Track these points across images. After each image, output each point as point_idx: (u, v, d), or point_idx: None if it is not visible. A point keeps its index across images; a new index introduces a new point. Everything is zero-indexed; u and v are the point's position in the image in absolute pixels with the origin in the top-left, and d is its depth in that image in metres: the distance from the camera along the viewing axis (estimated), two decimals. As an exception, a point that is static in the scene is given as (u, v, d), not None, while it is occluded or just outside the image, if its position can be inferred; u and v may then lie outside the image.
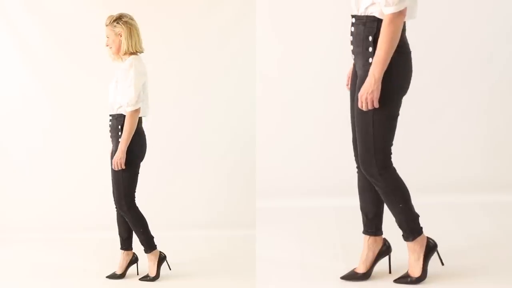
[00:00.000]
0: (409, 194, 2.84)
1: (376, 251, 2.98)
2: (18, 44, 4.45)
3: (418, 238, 2.87)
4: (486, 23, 4.24)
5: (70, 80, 4.46)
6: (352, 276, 2.98)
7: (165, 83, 4.34)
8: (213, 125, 4.52)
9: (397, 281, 2.92)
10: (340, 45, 3.38)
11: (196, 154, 4.53)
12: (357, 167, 2.97)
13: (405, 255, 2.93)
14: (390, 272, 3.01)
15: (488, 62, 4.25)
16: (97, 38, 3.61)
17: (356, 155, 2.95)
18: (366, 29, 2.69)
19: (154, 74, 3.49)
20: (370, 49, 2.68)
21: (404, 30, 2.70)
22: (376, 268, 2.99)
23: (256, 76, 4.34)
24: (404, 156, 3.04)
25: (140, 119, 3.32)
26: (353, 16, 2.75)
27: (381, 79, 2.63)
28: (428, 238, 2.91)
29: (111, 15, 3.31)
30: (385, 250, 3.00)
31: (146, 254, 3.41)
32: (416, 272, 2.88)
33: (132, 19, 3.31)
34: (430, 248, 2.90)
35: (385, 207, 2.94)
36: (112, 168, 3.30)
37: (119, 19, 3.28)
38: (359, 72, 2.77)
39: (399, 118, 2.77)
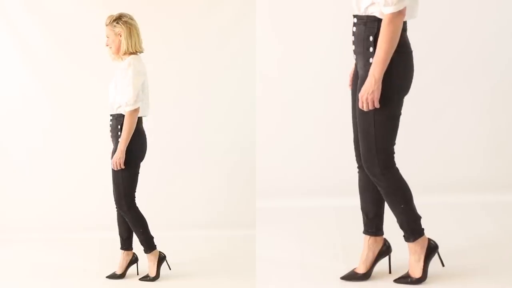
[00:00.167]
0: (411, 194, 2.84)
1: (376, 251, 2.97)
2: (18, 44, 4.45)
3: (419, 239, 2.86)
4: (488, 22, 4.23)
5: (70, 80, 4.46)
6: (352, 276, 2.97)
7: (165, 83, 4.34)
8: (213, 125, 4.52)
9: (398, 281, 2.91)
10: (340, 45, 3.37)
11: (196, 154, 4.53)
12: (358, 167, 2.96)
13: (405, 255, 2.92)
14: (390, 272, 3.00)
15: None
16: (97, 38, 3.61)
17: (357, 155, 2.94)
18: (367, 29, 2.68)
19: (154, 74, 3.49)
20: (371, 49, 2.67)
21: (404, 29, 2.69)
22: (376, 268, 2.99)
23: (256, 76, 4.34)
24: (406, 156, 3.03)
25: (140, 119, 3.31)
26: (354, 16, 2.74)
27: (381, 79, 2.62)
28: (429, 239, 2.90)
29: (111, 15, 3.30)
30: (385, 250, 2.99)
31: (146, 254, 3.41)
32: (416, 273, 2.88)
33: (132, 19, 3.30)
34: (431, 249, 2.89)
35: (386, 207, 2.93)
36: (112, 168, 3.29)
37: (119, 19, 3.28)
38: (360, 72, 2.76)
39: (401, 118, 2.77)
